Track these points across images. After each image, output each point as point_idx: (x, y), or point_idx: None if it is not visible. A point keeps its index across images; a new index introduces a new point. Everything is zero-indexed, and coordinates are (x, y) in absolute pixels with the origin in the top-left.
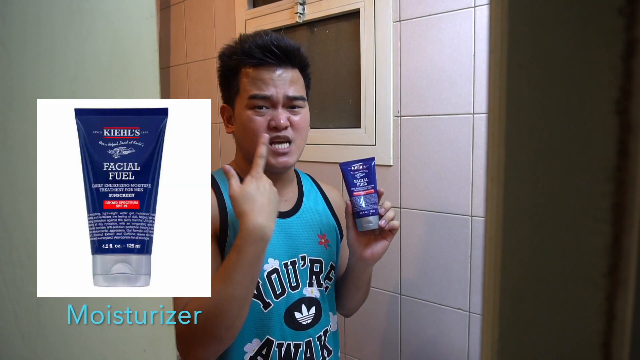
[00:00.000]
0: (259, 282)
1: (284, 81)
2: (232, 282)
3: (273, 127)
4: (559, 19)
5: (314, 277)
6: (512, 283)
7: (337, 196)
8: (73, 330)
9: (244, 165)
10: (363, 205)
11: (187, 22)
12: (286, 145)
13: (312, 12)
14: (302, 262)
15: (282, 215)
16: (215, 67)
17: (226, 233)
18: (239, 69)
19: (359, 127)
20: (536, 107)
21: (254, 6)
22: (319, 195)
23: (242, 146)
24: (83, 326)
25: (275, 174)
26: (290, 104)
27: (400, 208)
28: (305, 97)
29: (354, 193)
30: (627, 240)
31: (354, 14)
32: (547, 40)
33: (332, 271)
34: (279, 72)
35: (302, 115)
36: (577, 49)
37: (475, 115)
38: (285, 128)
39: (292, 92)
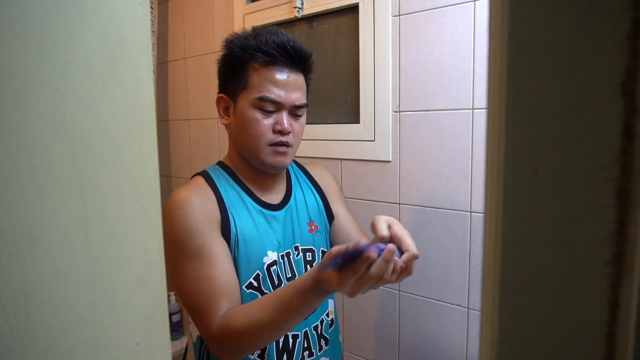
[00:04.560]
0: (259, 275)
1: (293, 86)
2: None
3: (277, 131)
4: None
5: (308, 266)
6: (513, 272)
7: (322, 171)
8: (62, 322)
9: (237, 160)
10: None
11: (185, 17)
12: (285, 148)
13: (310, 7)
14: (296, 252)
15: (274, 207)
16: (213, 62)
17: (229, 224)
18: (249, 63)
19: (358, 122)
20: (538, 90)
21: (253, 1)
22: (305, 179)
23: (237, 141)
24: (73, 317)
25: (269, 173)
26: (295, 111)
27: (399, 204)
28: (307, 103)
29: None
30: (632, 227)
31: (353, 9)
32: (549, 21)
33: None
34: (289, 75)
35: (302, 122)
36: (581, 29)
37: (474, 110)
38: (288, 133)
39: (298, 102)
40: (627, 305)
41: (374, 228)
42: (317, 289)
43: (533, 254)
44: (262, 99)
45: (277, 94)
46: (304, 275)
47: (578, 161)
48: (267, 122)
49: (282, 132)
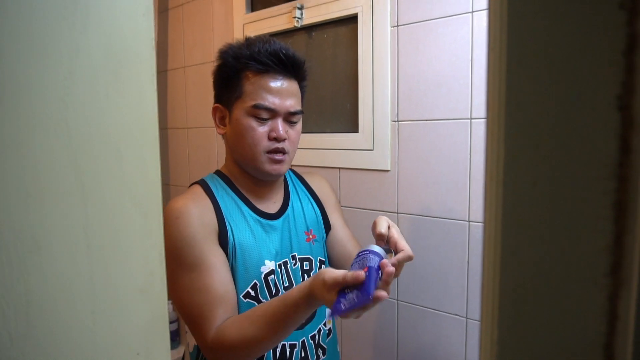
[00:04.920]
0: (256, 284)
1: (287, 94)
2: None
3: (273, 138)
4: (559, 14)
5: (305, 275)
6: (511, 283)
7: (321, 182)
8: (63, 331)
9: (235, 169)
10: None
11: (185, 26)
12: (281, 155)
13: (310, 17)
14: (294, 261)
15: (272, 216)
16: (212, 71)
17: (226, 233)
18: (243, 72)
19: (357, 131)
20: (536, 103)
21: (252, 10)
22: (302, 188)
23: (234, 150)
24: (74, 328)
25: (266, 180)
26: (290, 118)
27: (398, 213)
28: (302, 110)
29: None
30: (629, 239)
31: (352, 19)
32: (547, 35)
33: (322, 266)
34: (282, 82)
35: (297, 129)
36: (578, 44)
37: (472, 120)
38: (284, 140)
39: (293, 108)
40: (625, 316)
41: (374, 226)
42: (309, 304)
43: (532, 265)
44: (257, 107)
45: (271, 101)
46: (296, 290)
47: (576, 173)
48: (263, 129)
49: (277, 139)
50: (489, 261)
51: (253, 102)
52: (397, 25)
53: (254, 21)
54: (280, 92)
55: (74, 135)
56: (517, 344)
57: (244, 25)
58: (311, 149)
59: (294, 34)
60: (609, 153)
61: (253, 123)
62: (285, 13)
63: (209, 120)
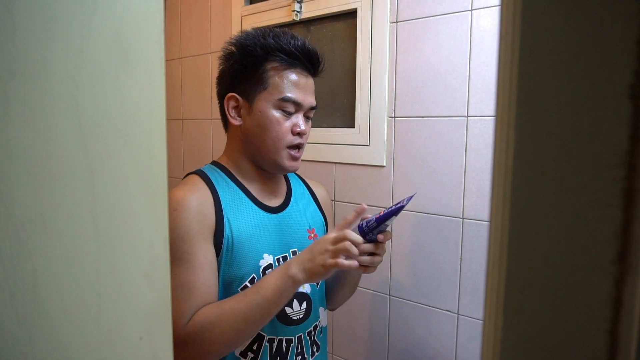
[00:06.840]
0: (254, 278)
1: (309, 89)
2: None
3: (297, 133)
4: (572, 2)
5: None
6: (518, 269)
7: (323, 191)
8: (68, 312)
9: (239, 161)
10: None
11: (182, 17)
12: (299, 151)
13: (309, 11)
14: (294, 257)
15: (274, 210)
16: (210, 62)
17: (222, 227)
18: (269, 63)
19: (353, 126)
20: (548, 91)
21: (251, 3)
22: (305, 190)
23: (251, 142)
24: (79, 308)
25: (276, 174)
26: (308, 113)
27: None
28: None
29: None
30: (637, 226)
31: (351, 14)
32: (560, 24)
33: None
34: (307, 78)
35: (310, 123)
36: (591, 33)
37: (469, 117)
38: (304, 135)
39: (314, 103)
40: (630, 302)
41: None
42: (295, 286)
43: (539, 251)
44: (285, 99)
45: (297, 95)
46: (280, 273)
47: (586, 162)
48: (287, 123)
49: (300, 134)
50: (495, 247)
51: (281, 95)
52: (396, 22)
53: (253, 13)
54: (305, 87)
55: (83, 115)
56: (522, 328)
57: (242, 17)
58: (307, 143)
59: (293, 27)
60: (620, 141)
61: (280, 117)
62: (284, 6)
63: (205, 112)
